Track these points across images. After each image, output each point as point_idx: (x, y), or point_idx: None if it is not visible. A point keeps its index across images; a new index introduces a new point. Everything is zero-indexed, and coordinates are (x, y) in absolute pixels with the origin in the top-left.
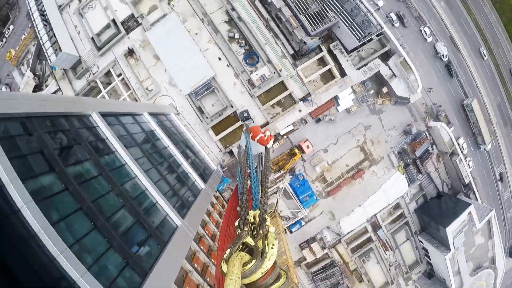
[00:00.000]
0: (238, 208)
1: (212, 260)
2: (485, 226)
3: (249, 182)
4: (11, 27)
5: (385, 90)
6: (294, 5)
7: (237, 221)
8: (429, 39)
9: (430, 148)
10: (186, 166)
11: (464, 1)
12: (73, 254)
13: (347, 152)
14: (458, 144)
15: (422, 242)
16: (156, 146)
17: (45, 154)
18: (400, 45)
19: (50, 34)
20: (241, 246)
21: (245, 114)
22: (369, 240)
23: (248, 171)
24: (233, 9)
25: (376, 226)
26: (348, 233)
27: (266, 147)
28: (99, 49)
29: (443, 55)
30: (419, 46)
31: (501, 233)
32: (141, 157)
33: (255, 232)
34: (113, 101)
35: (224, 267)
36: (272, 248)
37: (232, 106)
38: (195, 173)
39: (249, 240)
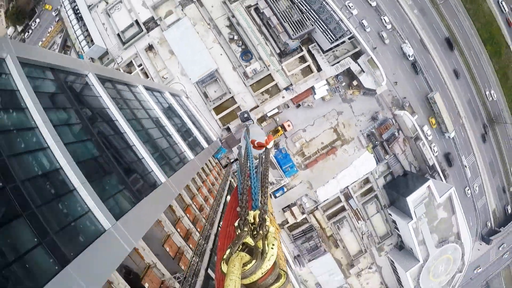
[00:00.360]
0: (238, 209)
1: (197, 228)
2: (447, 202)
3: (249, 182)
4: (37, 20)
5: (355, 83)
6: (280, 15)
7: (237, 221)
8: (387, 41)
9: (396, 133)
10: (195, 132)
11: (438, 8)
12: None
13: (322, 132)
14: (422, 131)
15: (391, 215)
16: (171, 116)
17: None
18: (375, 48)
19: (83, 29)
20: (241, 246)
21: (245, 115)
22: (343, 209)
23: (248, 171)
24: (233, 16)
25: (348, 197)
26: (324, 201)
27: (266, 148)
28: (123, 43)
29: (409, 55)
30: (388, 48)
31: (472, 218)
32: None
33: (255, 233)
34: (165, 86)
35: (224, 268)
36: (272, 248)
37: (230, 93)
38: (201, 137)
39: (249, 240)
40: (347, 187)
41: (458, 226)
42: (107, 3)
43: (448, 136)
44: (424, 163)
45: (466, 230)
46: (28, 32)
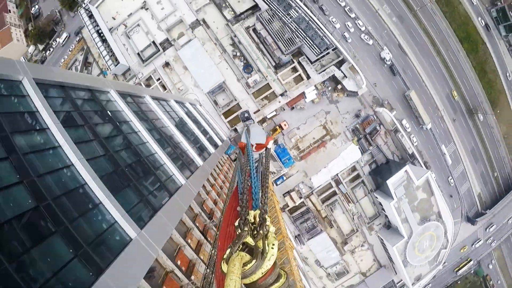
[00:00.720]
0: (238, 208)
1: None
2: (425, 184)
3: (249, 182)
4: (58, 39)
5: (339, 86)
6: (274, 35)
7: (237, 221)
8: (370, 42)
9: (377, 127)
10: (211, 132)
11: (415, 14)
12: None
13: (313, 129)
14: (401, 124)
15: (377, 198)
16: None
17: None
18: (355, 57)
19: (107, 49)
20: (241, 246)
21: (246, 115)
22: (334, 193)
23: (249, 171)
24: (235, 36)
25: (338, 183)
26: (317, 187)
27: (266, 148)
28: (143, 61)
29: (386, 60)
30: (366, 54)
31: (456, 201)
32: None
33: (255, 232)
34: (184, 97)
35: (224, 267)
36: (272, 248)
37: (235, 100)
38: (214, 138)
39: (249, 240)
40: (337, 174)
41: (438, 206)
42: (126, 26)
43: (426, 128)
44: (405, 152)
45: (446, 209)
46: (50, 50)
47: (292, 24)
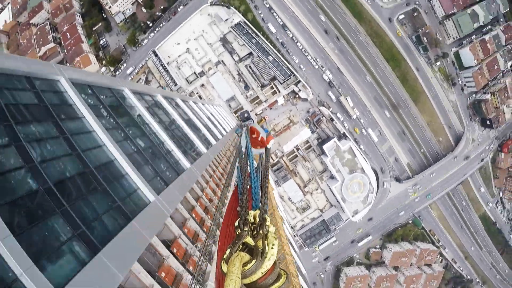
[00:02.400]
0: (238, 208)
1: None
2: (350, 150)
3: (249, 182)
4: (124, 65)
5: (297, 95)
6: (259, 70)
7: (237, 221)
8: (316, 67)
9: (321, 118)
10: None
11: (352, 46)
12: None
13: (282, 119)
14: (336, 116)
15: (322, 158)
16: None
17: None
18: (306, 78)
19: (166, 75)
20: (241, 246)
21: (246, 115)
22: (296, 156)
23: (248, 171)
24: (239, 69)
25: (298, 149)
26: (286, 152)
27: (266, 147)
28: (188, 83)
29: (325, 79)
30: (314, 75)
31: (387, 170)
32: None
33: (255, 232)
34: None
35: (224, 267)
36: (272, 248)
37: (240, 104)
38: (231, 122)
39: (249, 240)
40: (297, 145)
41: (361, 164)
42: (177, 62)
43: (354, 117)
44: (339, 132)
45: (367, 166)
46: (118, 71)
47: (269, 64)
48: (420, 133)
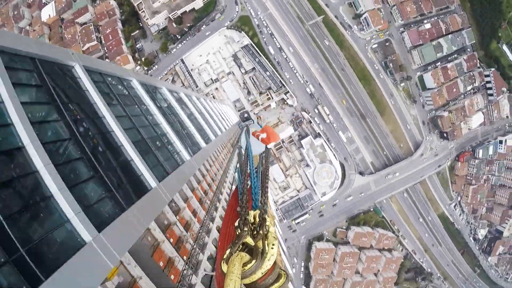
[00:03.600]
0: (238, 209)
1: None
2: (322, 145)
3: (249, 182)
4: (156, 66)
5: (285, 102)
6: (259, 81)
7: (237, 221)
8: (302, 82)
9: (302, 120)
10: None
11: (332, 67)
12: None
13: (273, 119)
14: (314, 119)
15: (300, 150)
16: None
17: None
18: (293, 91)
19: (189, 78)
20: (241, 246)
21: (245, 115)
22: (281, 146)
23: (248, 171)
24: (244, 79)
25: (283, 142)
26: (276, 144)
27: (266, 147)
28: (206, 86)
29: (308, 91)
30: (299, 88)
31: (352, 164)
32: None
33: (255, 232)
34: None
35: (224, 267)
36: (272, 248)
37: (242, 105)
38: (235, 117)
39: (249, 240)
40: (283, 139)
41: (329, 157)
42: (198, 69)
43: (327, 122)
44: (315, 132)
45: (334, 159)
46: (150, 70)
47: (266, 77)
48: (384, 138)
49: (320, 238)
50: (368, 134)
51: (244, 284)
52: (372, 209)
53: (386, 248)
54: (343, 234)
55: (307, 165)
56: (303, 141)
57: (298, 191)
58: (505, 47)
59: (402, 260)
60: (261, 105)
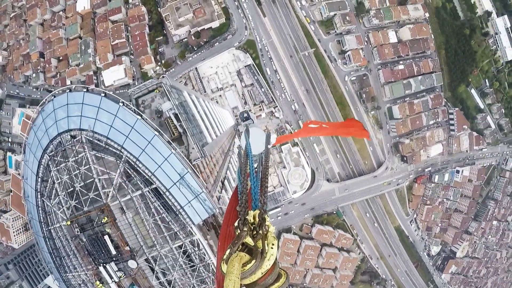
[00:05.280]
0: (238, 208)
1: None
2: (297, 153)
3: (249, 182)
4: (173, 69)
5: (274, 114)
6: (255, 95)
7: (236, 221)
8: (288, 99)
9: (285, 130)
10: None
11: (316, 90)
12: None
13: (263, 126)
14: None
15: (281, 155)
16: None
17: None
18: (281, 106)
19: (201, 83)
20: (240, 246)
21: (245, 115)
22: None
23: (248, 171)
24: (243, 92)
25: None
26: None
27: (266, 147)
28: (212, 92)
29: (293, 108)
30: (286, 104)
31: (321, 172)
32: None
33: (254, 232)
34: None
35: (224, 268)
36: (272, 248)
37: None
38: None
39: (249, 240)
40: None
41: (302, 162)
42: (208, 78)
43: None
44: (294, 141)
45: (307, 165)
46: (168, 72)
47: (261, 92)
48: (351, 154)
49: (288, 230)
50: (338, 149)
51: (244, 284)
52: (334, 212)
53: (344, 248)
54: (308, 229)
55: (284, 167)
56: (283, 147)
57: (274, 187)
58: (473, 91)
59: (359, 262)
60: (254, 114)
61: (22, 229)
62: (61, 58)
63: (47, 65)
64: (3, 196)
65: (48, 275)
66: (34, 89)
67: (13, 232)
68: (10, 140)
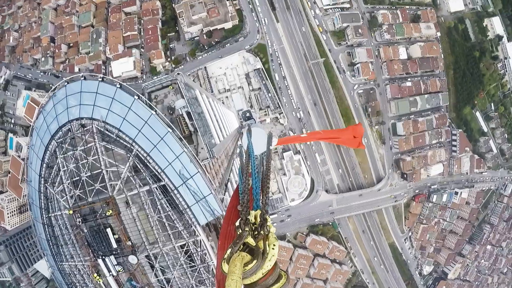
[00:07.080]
0: (239, 207)
1: None
2: (299, 161)
3: (250, 182)
4: (182, 66)
5: (279, 120)
6: (262, 100)
7: (237, 221)
8: (295, 107)
9: (287, 134)
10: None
11: (322, 101)
12: None
13: (270, 128)
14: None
15: (282, 161)
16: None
17: None
18: (286, 113)
19: (209, 83)
20: (241, 246)
21: (247, 114)
22: None
23: (250, 171)
24: (250, 95)
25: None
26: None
27: (268, 147)
28: (219, 93)
29: (297, 116)
30: (292, 112)
31: (321, 182)
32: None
33: (256, 233)
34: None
35: (225, 267)
36: (273, 248)
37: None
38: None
39: (250, 240)
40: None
41: (303, 170)
42: (216, 78)
43: (308, 144)
44: (296, 149)
45: (307, 174)
46: (177, 69)
47: (268, 97)
48: (352, 167)
49: (283, 237)
50: (340, 161)
51: (244, 285)
52: (330, 223)
53: (337, 260)
54: (303, 238)
55: (284, 174)
56: (285, 154)
57: (273, 193)
58: (478, 114)
59: (350, 276)
60: (259, 118)
61: (17, 211)
62: (71, 44)
63: (56, 50)
64: (1, 177)
65: (39, 259)
66: (42, 73)
67: (7, 213)
68: (13, 121)
